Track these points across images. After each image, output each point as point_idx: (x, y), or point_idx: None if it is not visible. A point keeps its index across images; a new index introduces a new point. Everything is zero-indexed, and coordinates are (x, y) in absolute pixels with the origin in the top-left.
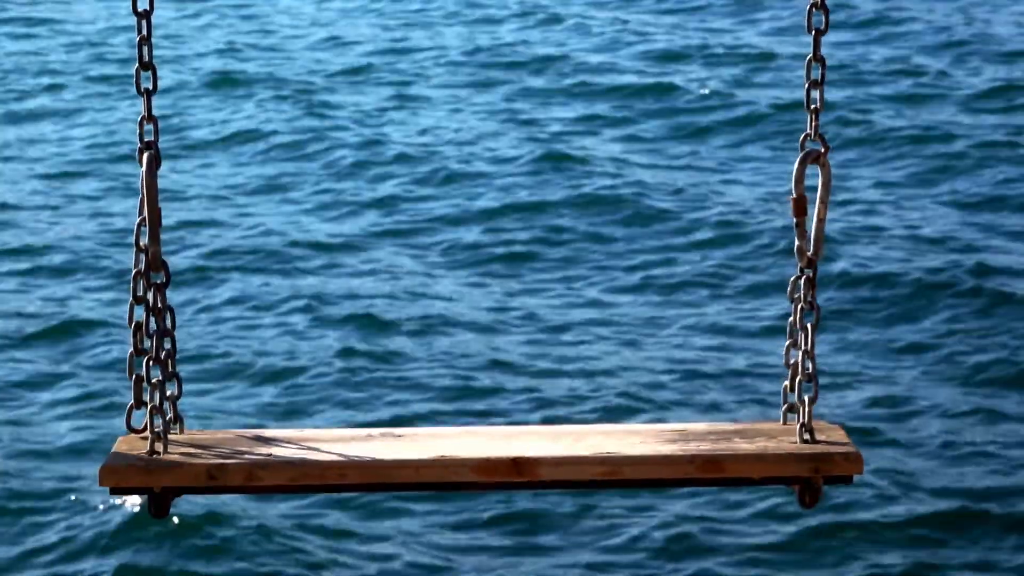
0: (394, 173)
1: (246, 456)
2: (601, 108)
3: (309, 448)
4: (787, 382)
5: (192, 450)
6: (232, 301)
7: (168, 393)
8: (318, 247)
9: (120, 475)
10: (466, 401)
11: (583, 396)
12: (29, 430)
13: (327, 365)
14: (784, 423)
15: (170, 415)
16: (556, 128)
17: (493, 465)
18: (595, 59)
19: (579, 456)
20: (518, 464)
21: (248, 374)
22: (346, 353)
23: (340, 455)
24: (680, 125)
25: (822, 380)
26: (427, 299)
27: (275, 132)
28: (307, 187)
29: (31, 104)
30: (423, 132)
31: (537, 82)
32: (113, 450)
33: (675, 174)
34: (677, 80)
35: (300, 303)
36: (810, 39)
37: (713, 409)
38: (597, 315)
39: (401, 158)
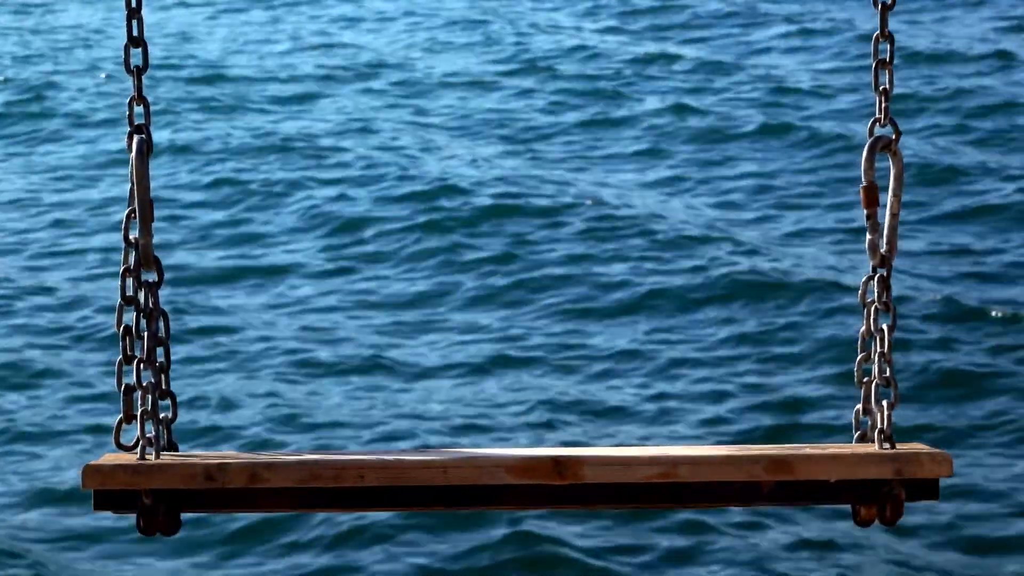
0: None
1: (247, 458)
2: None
3: (321, 453)
4: (859, 405)
5: (188, 458)
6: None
7: (161, 416)
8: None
9: (106, 476)
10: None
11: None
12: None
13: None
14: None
15: (164, 441)
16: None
17: (531, 466)
18: None
19: (628, 457)
20: (559, 465)
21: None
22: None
23: (356, 455)
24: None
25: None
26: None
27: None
28: None
29: None
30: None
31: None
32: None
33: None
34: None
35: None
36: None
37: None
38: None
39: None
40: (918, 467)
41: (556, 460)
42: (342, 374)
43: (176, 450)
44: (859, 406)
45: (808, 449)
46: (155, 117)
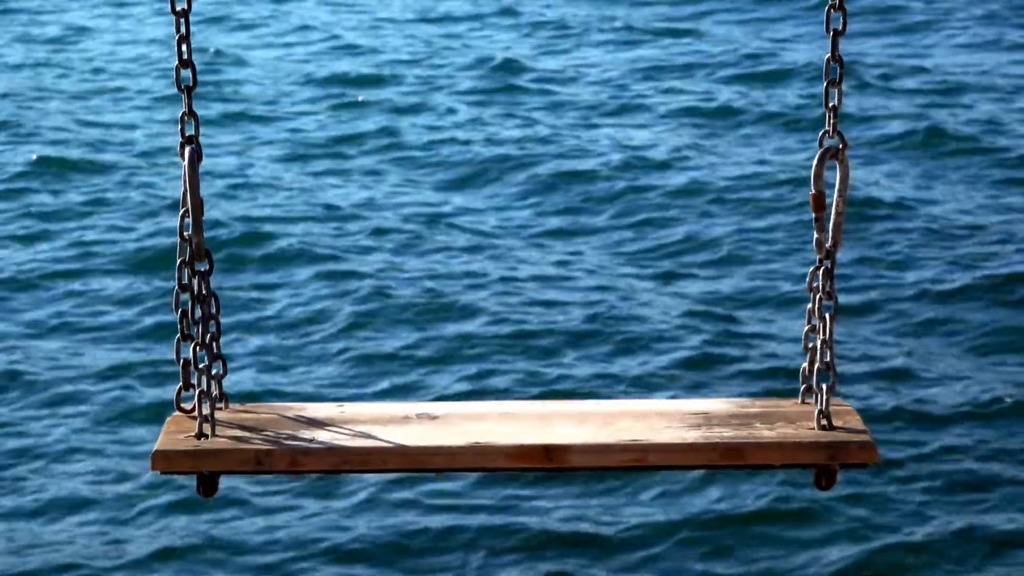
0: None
1: (290, 442)
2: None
3: (350, 432)
4: (805, 364)
5: (239, 433)
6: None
7: (214, 372)
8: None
9: (170, 460)
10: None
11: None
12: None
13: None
14: (802, 401)
15: (216, 393)
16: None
17: (525, 452)
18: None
19: (607, 444)
20: (549, 451)
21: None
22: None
23: (380, 442)
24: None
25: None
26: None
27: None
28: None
29: None
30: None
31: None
32: (163, 431)
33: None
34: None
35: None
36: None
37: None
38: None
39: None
40: (848, 454)
41: (546, 448)
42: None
43: (227, 402)
44: (804, 365)
45: (759, 426)
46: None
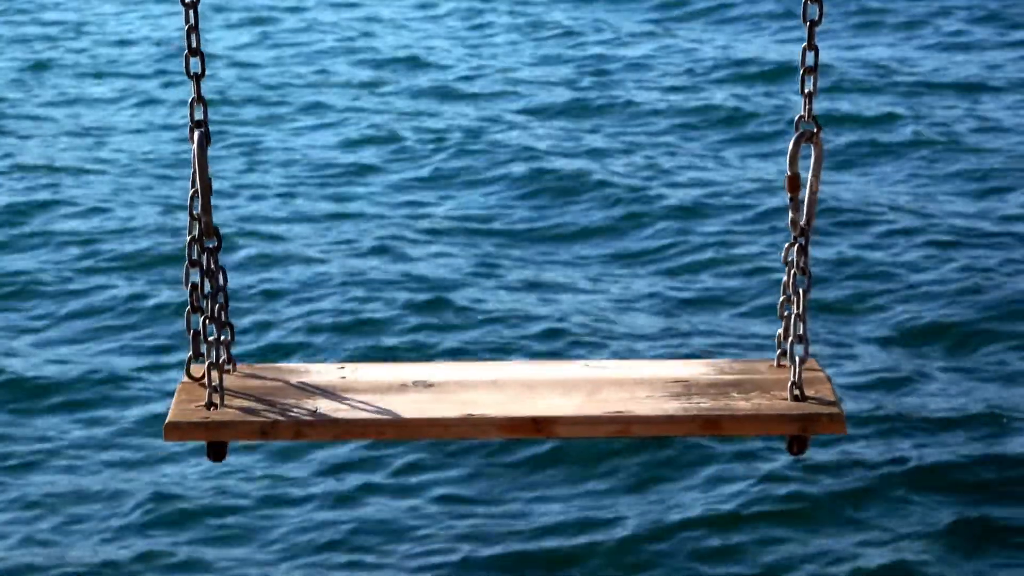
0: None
1: (294, 413)
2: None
3: (350, 402)
4: (780, 331)
5: (245, 403)
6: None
7: (222, 339)
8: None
9: (183, 432)
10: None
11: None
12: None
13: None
14: (777, 365)
15: (224, 357)
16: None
17: (515, 424)
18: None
19: (592, 416)
20: (537, 423)
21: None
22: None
23: (378, 413)
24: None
25: None
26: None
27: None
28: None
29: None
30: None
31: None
32: (175, 399)
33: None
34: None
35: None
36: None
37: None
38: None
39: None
40: (818, 426)
41: (535, 420)
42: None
43: (235, 365)
44: (780, 331)
45: (735, 395)
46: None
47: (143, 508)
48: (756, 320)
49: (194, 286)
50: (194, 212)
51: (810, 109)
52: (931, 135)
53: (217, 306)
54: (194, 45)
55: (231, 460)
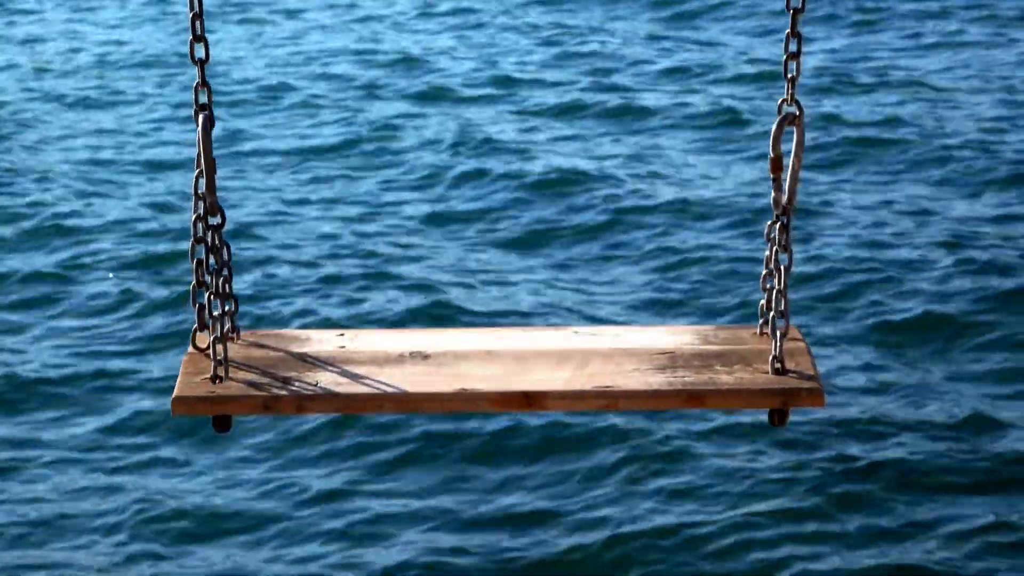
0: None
1: (295, 387)
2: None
3: (350, 375)
4: (763, 302)
5: (249, 376)
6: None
7: (226, 310)
8: None
9: (189, 406)
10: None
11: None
12: None
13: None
14: (760, 333)
15: (228, 326)
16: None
17: (507, 398)
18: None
19: (580, 391)
20: (528, 397)
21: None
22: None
23: (377, 387)
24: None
25: None
26: None
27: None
28: None
29: None
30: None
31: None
32: (181, 371)
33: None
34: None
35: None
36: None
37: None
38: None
39: None
40: (798, 400)
41: (526, 394)
42: None
43: (238, 334)
44: (763, 302)
45: (719, 367)
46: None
47: (133, 508)
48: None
49: (199, 262)
50: (199, 191)
51: (793, 93)
52: (926, 135)
53: (221, 280)
54: (199, 32)
55: (221, 460)
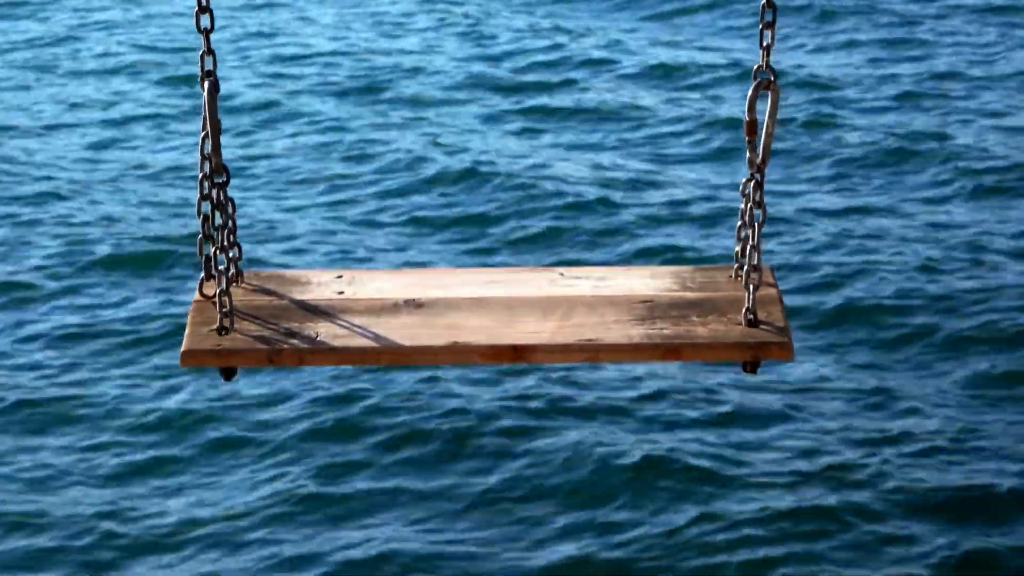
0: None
1: (297, 340)
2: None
3: (347, 327)
4: (738, 248)
5: (254, 328)
6: None
7: (231, 256)
8: None
9: (198, 359)
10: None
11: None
12: None
13: None
14: (735, 276)
15: (233, 271)
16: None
17: (497, 351)
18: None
19: (565, 344)
20: (517, 350)
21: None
22: None
23: (373, 341)
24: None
25: None
26: None
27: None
28: None
29: None
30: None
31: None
32: (189, 320)
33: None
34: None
35: None
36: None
37: None
38: None
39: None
40: (768, 353)
41: (514, 347)
42: None
43: (242, 278)
44: (737, 248)
45: (695, 318)
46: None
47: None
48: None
49: (205, 217)
50: (205, 152)
51: (768, 60)
52: (897, 143)
53: (226, 233)
54: (204, 3)
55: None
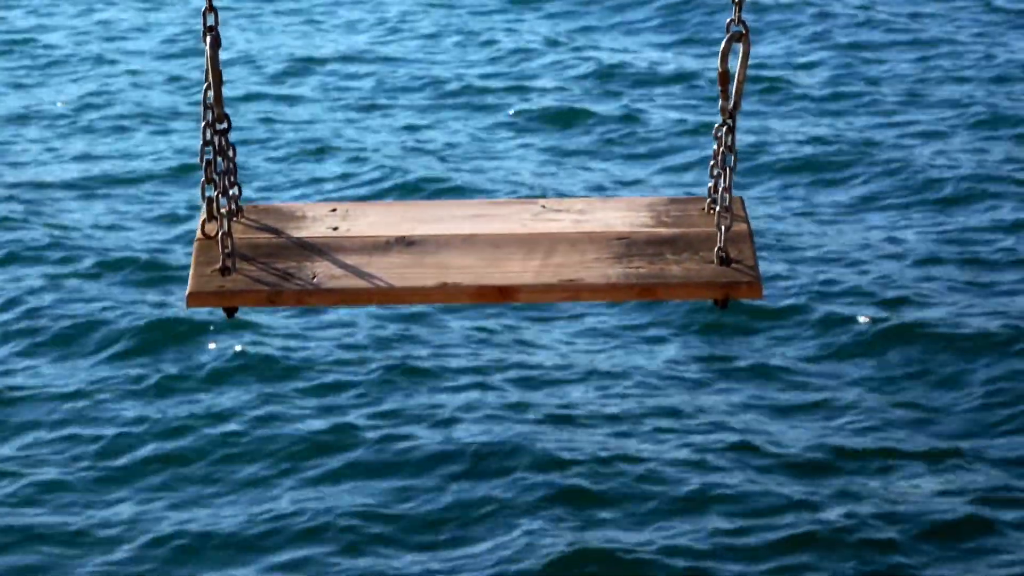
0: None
1: (295, 281)
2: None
3: (343, 267)
4: (711, 184)
5: (254, 270)
6: None
7: (231, 194)
8: None
9: (202, 300)
10: None
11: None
12: None
13: None
14: (708, 210)
15: (234, 207)
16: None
17: (484, 292)
18: None
19: (548, 284)
20: (502, 291)
21: None
22: None
23: (367, 282)
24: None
25: None
26: None
27: None
28: None
29: None
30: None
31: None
32: (193, 261)
33: None
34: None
35: None
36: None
37: None
38: None
39: None
40: (738, 292)
41: (500, 288)
42: None
43: (241, 213)
44: (711, 184)
45: (669, 256)
46: None
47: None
48: None
49: (208, 162)
50: (207, 102)
51: (739, 14)
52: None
53: (228, 179)
54: None
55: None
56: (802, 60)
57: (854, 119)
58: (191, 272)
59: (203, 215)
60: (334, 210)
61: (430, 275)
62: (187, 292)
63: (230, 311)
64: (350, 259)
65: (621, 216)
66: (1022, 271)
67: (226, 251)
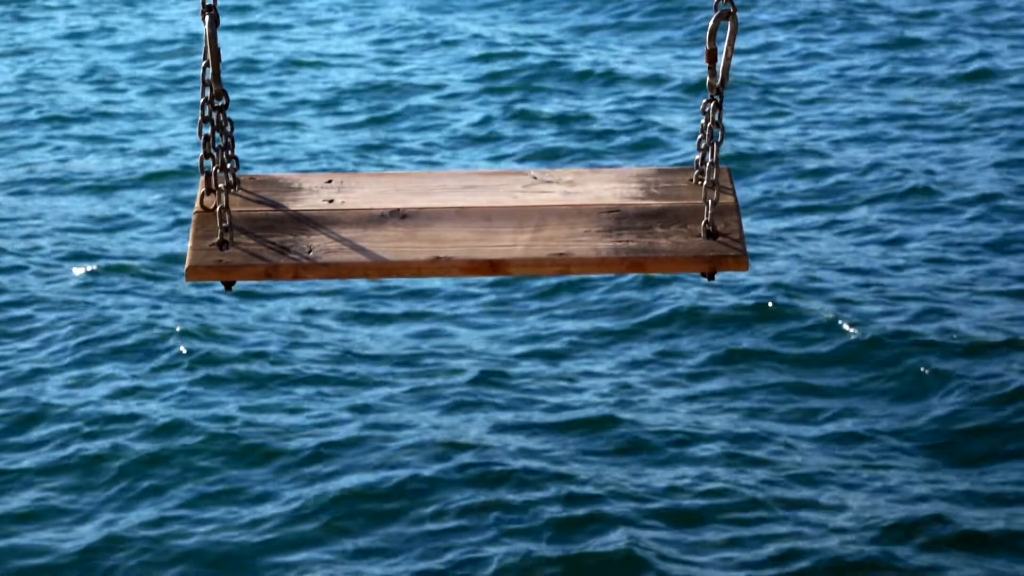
0: None
1: (292, 255)
2: None
3: (338, 240)
4: (697, 157)
5: (252, 244)
6: None
7: (229, 167)
8: None
9: (201, 274)
10: None
11: None
12: None
13: None
14: (695, 182)
15: (231, 179)
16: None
17: (475, 266)
18: None
19: (539, 258)
20: (494, 264)
21: None
22: None
23: (361, 255)
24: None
25: None
26: None
27: None
28: None
29: None
30: None
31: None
32: (191, 234)
33: None
34: None
35: None
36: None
37: None
38: None
39: None
40: (726, 265)
41: (491, 262)
42: None
43: (239, 184)
44: (697, 157)
45: (659, 230)
46: None
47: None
48: None
49: (206, 137)
50: (206, 78)
51: None
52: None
53: (226, 154)
54: None
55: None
56: (793, 63)
57: (838, 121)
58: (189, 246)
59: (202, 188)
60: (330, 181)
61: (423, 249)
62: (186, 266)
63: (228, 284)
64: (345, 232)
65: (611, 188)
66: (1003, 278)
67: (224, 225)
